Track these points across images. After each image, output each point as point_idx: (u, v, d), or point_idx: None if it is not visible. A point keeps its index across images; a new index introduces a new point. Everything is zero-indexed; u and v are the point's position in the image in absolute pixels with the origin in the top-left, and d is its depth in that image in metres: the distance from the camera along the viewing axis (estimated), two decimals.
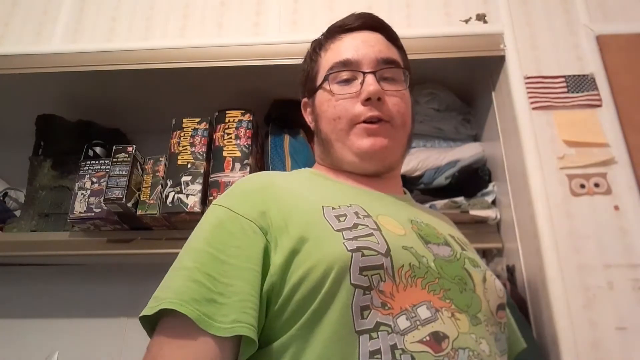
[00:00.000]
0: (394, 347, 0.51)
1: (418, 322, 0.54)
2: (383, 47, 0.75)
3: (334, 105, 0.72)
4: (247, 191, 0.64)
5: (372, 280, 0.54)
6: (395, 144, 0.72)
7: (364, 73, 0.71)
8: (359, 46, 0.74)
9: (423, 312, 0.55)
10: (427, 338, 0.53)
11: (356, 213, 0.61)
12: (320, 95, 0.76)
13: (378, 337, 0.51)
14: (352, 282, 0.53)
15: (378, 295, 0.53)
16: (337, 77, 0.73)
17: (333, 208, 0.61)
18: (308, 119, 0.81)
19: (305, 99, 0.82)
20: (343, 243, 0.55)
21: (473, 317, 0.59)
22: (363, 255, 0.54)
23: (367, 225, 0.59)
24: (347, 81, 0.72)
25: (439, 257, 0.62)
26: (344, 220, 0.59)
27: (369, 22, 0.77)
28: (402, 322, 0.53)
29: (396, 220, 0.64)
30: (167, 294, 0.54)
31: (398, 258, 0.57)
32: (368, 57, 0.72)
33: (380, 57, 0.73)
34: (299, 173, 0.77)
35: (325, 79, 0.74)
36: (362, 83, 0.71)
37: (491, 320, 0.63)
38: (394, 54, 0.76)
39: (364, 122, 0.70)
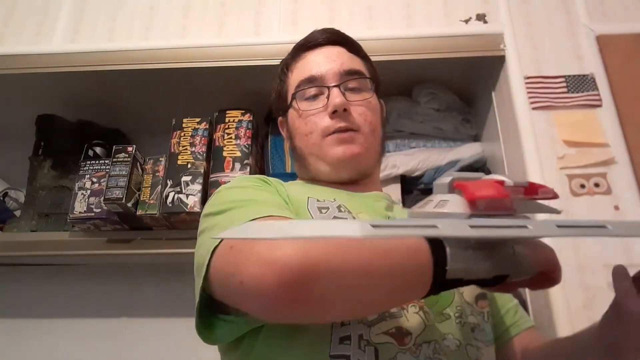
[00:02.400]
0: (360, 337, 0.53)
1: (387, 314, 0.56)
2: (345, 60, 0.77)
3: (305, 122, 0.75)
4: (249, 178, 0.68)
5: None
6: (366, 150, 0.74)
7: (329, 87, 0.74)
8: (321, 62, 0.77)
9: None
10: (393, 330, 0.55)
11: (338, 207, 0.64)
12: (291, 113, 0.79)
13: (350, 323, 0.54)
14: None
15: None
16: (305, 94, 0.76)
17: (317, 200, 0.65)
18: (285, 135, 0.84)
19: (280, 118, 0.85)
20: None
21: (439, 314, 0.61)
22: None
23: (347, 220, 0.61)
24: (315, 97, 0.75)
25: None
26: (325, 213, 0.62)
27: (330, 37, 0.80)
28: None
29: (372, 213, 0.68)
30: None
31: None
32: (331, 71, 0.75)
33: (343, 69, 0.76)
34: (295, 184, 0.79)
35: (294, 97, 0.77)
36: (328, 97, 0.74)
37: (468, 311, 0.64)
38: (357, 64, 0.79)
39: (334, 132, 0.73)
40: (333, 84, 0.74)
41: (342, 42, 0.80)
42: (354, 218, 0.63)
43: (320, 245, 0.43)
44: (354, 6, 1.29)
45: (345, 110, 0.72)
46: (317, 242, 0.43)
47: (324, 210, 0.62)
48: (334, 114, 0.72)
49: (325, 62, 0.76)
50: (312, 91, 0.76)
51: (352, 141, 0.72)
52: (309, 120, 0.75)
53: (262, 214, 0.53)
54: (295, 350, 0.54)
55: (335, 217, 0.62)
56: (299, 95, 0.77)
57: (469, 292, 0.66)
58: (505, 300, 0.77)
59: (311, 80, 0.76)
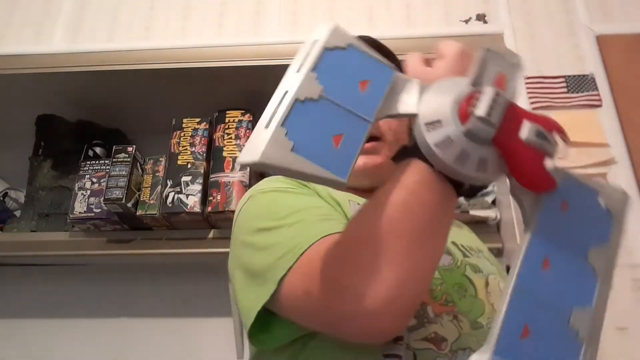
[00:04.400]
0: (398, 340, 0.53)
1: (426, 320, 0.55)
2: None
3: None
4: (284, 179, 0.65)
5: None
6: (388, 159, 0.73)
7: None
8: None
9: (430, 312, 0.56)
10: (432, 335, 0.55)
11: None
12: None
13: None
14: None
15: None
16: None
17: (358, 204, 0.63)
18: None
19: None
20: None
21: (473, 322, 0.60)
22: None
23: None
24: None
25: (439, 267, 0.63)
26: None
27: (369, 44, 0.79)
28: (411, 320, 0.55)
29: None
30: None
31: None
32: None
33: None
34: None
35: None
36: None
37: None
38: None
39: None
40: None
41: (379, 50, 0.80)
42: None
43: (398, 265, 0.43)
44: (354, 6, 1.29)
45: None
46: (392, 264, 0.43)
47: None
48: None
49: None
50: None
51: (375, 151, 0.71)
52: None
53: (334, 229, 0.51)
54: (350, 350, 0.53)
55: None
56: None
57: (498, 303, 0.66)
58: None
59: None
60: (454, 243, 0.71)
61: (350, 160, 0.43)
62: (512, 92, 0.46)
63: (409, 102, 0.47)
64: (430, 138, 0.44)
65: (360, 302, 0.41)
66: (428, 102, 0.46)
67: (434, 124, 0.44)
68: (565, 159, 0.46)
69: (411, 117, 0.46)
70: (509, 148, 0.43)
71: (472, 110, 0.42)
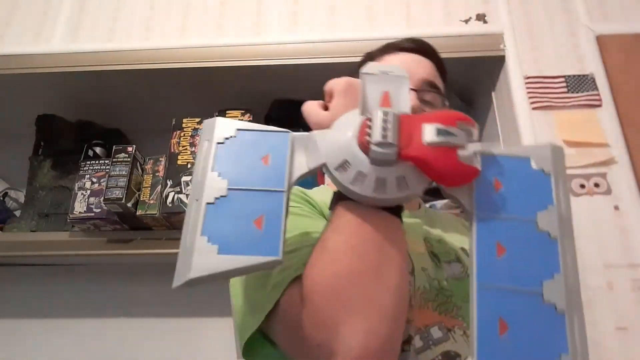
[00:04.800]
0: None
1: (431, 342, 0.55)
2: (431, 72, 0.77)
3: None
4: (293, 199, 0.65)
5: None
6: None
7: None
8: (410, 63, 0.76)
9: (435, 333, 0.56)
10: (439, 358, 0.54)
11: None
12: None
13: (402, 351, 0.53)
14: None
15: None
16: None
17: None
18: None
19: None
20: None
21: None
22: None
23: None
24: None
25: (450, 277, 0.63)
26: None
27: (424, 48, 0.80)
28: (417, 342, 0.55)
29: (415, 238, 0.65)
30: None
31: (418, 278, 0.59)
32: (415, 76, 0.74)
33: (426, 79, 0.74)
34: (320, 190, 0.77)
35: None
36: None
37: None
38: (439, 82, 0.78)
39: None
40: (412, 87, 0.72)
41: (434, 58, 0.80)
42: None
43: (366, 317, 0.42)
44: (354, 6, 1.29)
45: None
46: (362, 316, 0.42)
47: None
48: None
49: (414, 65, 0.75)
50: None
51: None
52: None
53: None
54: None
55: None
56: None
57: None
58: None
59: None
60: (463, 249, 0.70)
61: (278, 236, 0.43)
62: (403, 104, 0.47)
63: (314, 155, 0.47)
64: (344, 179, 0.44)
65: (336, 358, 0.41)
66: (330, 146, 0.46)
67: (342, 165, 0.44)
68: (475, 140, 0.45)
69: (323, 167, 0.47)
70: (417, 157, 0.43)
71: (368, 139, 0.43)
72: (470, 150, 0.44)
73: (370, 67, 0.50)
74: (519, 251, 0.42)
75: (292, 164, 0.47)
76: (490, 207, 0.45)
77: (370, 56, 0.82)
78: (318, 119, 0.52)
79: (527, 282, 0.41)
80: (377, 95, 0.47)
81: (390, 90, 0.47)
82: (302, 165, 0.47)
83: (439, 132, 0.43)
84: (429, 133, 0.43)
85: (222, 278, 0.43)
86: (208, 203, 0.45)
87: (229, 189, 0.45)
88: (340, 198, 0.47)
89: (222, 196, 0.45)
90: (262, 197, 0.45)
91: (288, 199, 0.45)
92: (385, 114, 0.43)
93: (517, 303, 0.40)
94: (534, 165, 0.47)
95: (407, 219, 0.72)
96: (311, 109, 0.54)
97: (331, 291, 0.43)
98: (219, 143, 0.48)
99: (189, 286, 0.43)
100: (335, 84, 0.54)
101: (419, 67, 0.76)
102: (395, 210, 0.47)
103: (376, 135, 0.43)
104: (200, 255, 0.43)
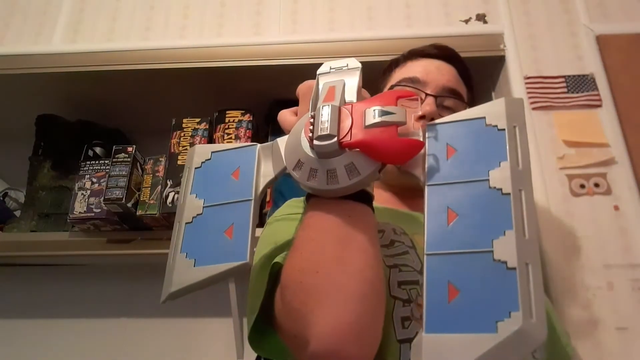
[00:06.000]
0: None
1: None
2: (452, 78, 0.78)
3: None
4: (297, 204, 0.67)
5: (411, 293, 0.56)
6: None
7: (426, 94, 0.74)
8: (431, 70, 0.77)
9: None
10: None
11: (393, 230, 0.63)
12: None
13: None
14: (391, 294, 0.55)
15: (417, 307, 0.55)
16: None
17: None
18: None
19: None
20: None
21: None
22: (400, 270, 0.57)
23: (403, 243, 0.61)
24: None
25: None
26: (381, 237, 0.61)
27: (448, 54, 0.81)
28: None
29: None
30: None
31: None
32: (436, 82, 0.75)
33: (447, 85, 0.76)
34: None
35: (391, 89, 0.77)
36: (421, 103, 0.73)
37: None
38: (461, 88, 0.79)
39: None
40: (431, 93, 0.74)
41: (457, 64, 0.81)
42: (410, 240, 0.62)
43: (331, 304, 0.43)
44: (354, 6, 1.29)
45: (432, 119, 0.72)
46: (327, 303, 0.43)
47: (380, 234, 0.60)
48: (419, 119, 0.70)
49: (435, 71, 0.77)
50: None
51: None
52: None
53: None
54: None
55: (392, 241, 0.60)
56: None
57: None
58: (563, 333, 0.75)
59: (414, 81, 0.76)
60: None
61: (246, 241, 0.46)
62: (350, 94, 0.48)
63: (278, 161, 0.51)
64: (301, 178, 0.47)
65: (314, 346, 0.42)
66: (288, 150, 0.50)
67: (297, 165, 0.47)
68: (419, 111, 0.46)
69: (286, 172, 0.50)
70: (357, 142, 0.44)
71: (311, 135, 0.45)
72: (409, 123, 0.45)
73: (323, 65, 0.53)
74: (471, 214, 0.42)
75: (259, 173, 0.51)
76: (442, 175, 0.45)
77: (396, 62, 0.84)
78: (288, 125, 0.55)
79: (477, 243, 0.40)
80: (324, 92, 0.49)
81: (338, 84, 0.49)
82: (269, 172, 0.51)
83: (378, 113, 0.45)
84: (369, 116, 0.45)
85: (199, 288, 0.46)
86: (187, 223, 0.50)
87: (204, 207, 0.50)
88: (309, 197, 0.50)
89: (198, 215, 0.50)
90: (232, 209, 0.49)
91: (257, 206, 0.49)
92: (323, 107, 0.45)
93: (467, 266, 0.39)
94: (490, 123, 0.46)
95: (417, 214, 0.73)
96: (282, 117, 0.58)
97: (298, 285, 0.46)
98: (196, 168, 0.53)
99: (172, 299, 0.46)
100: (299, 89, 0.56)
101: (440, 73, 0.77)
102: (365, 198, 0.48)
103: (316, 129, 0.45)
104: (179, 270, 0.46)
